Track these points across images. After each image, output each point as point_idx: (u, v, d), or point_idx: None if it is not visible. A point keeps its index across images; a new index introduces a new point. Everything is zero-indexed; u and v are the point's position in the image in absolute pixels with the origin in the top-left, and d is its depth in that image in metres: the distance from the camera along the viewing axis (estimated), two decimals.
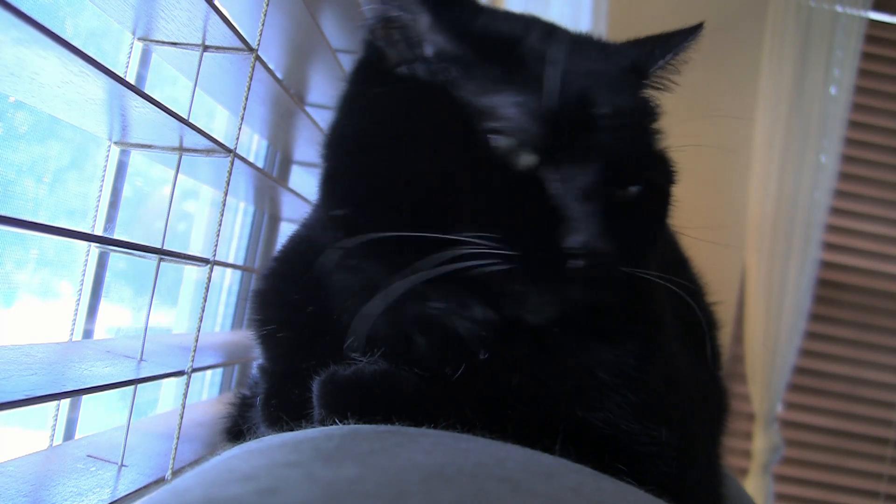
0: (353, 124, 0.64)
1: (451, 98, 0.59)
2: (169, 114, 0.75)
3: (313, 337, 0.72)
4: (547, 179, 0.58)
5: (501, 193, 0.58)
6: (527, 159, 0.58)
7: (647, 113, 0.68)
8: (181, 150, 0.89)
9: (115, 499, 0.71)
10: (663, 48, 0.70)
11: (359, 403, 0.61)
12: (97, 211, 0.88)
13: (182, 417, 0.83)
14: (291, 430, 0.59)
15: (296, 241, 0.81)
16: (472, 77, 0.59)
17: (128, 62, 0.89)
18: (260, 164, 1.04)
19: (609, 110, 0.59)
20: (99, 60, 0.60)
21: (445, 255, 0.55)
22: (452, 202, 0.58)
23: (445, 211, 0.58)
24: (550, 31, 0.66)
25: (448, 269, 0.55)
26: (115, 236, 0.94)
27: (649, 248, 0.68)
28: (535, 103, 0.57)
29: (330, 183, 0.66)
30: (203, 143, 0.86)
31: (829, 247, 2.97)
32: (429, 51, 0.62)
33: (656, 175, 0.67)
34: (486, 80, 0.58)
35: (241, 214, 1.54)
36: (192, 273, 1.31)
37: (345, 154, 0.64)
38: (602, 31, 2.46)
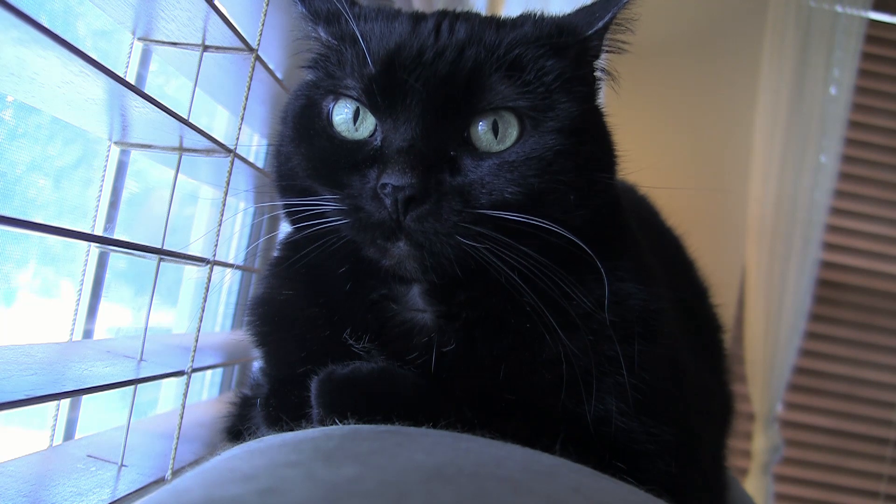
0: (282, 130, 0.76)
1: (317, 101, 0.71)
2: (169, 114, 0.75)
3: (309, 335, 0.72)
4: (378, 137, 0.66)
5: (342, 160, 0.67)
6: (369, 124, 0.67)
7: (502, 62, 0.66)
8: (181, 150, 0.89)
9: (115, 499, 0.71)
10: (603, 9, 0.72)
11: (356, 402, 0.61)
12: (97, 211, 0.88)
13: (182, 417, 0.83)
14: (291, 430, 0.59)
15: (288, 243, 0.81)
16: (338, 62, 0.70)
17: (128, 62, 0.89)
18: (260, 164, 1.04)
19: (411, 64, 0.64)
20: (99, 60, 0.60)
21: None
22: (319, 176, 0.69)
23: (316, 183, 0.69)
24: (417, 17, 0.71)
25: (314, 223, 0.67)
26: (115, 236, 0.94)
27: (532, 190, 0.64)
28: (358, 72, 0.67)
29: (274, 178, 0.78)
30: (203, 143, 0.86)
31: (829, 247, 2.97)
32: (320, 48, 0.76)
33: (533, 114, 0.65)
34: (343, 62, 0.70)
35: (241, 214, 1.53)
36: (192, 273, 1.31)
37: (273, 153, 0.79)
38: None
